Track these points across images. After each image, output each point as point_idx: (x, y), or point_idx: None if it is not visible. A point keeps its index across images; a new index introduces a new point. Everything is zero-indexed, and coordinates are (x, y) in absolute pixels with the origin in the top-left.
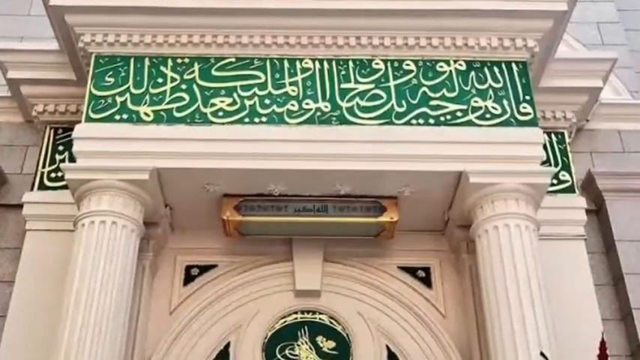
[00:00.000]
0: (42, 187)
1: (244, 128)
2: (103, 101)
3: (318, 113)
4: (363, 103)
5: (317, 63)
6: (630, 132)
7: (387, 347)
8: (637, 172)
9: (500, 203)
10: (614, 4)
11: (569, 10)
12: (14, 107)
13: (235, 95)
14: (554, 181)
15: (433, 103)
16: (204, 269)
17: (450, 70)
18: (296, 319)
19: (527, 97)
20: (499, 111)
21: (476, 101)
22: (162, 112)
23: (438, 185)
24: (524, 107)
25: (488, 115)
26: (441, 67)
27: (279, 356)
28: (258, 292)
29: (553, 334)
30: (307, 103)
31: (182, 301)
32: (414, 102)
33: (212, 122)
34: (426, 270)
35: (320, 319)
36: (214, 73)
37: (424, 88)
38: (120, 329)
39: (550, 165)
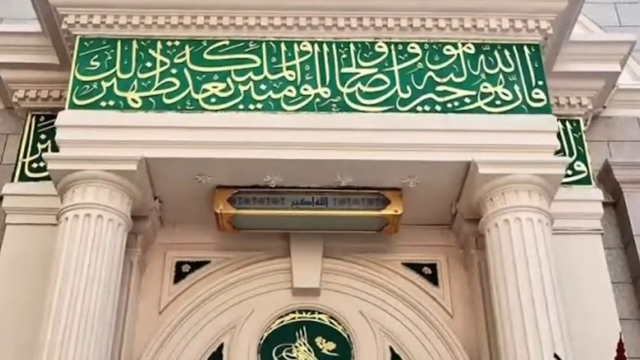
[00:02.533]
0: (23, 178)
1: (238, 115)
2: (87, 87)
3: (318, 99)
4: (365, 89)
5: (316, 46)
6: None
7: (391, 349)
8: None
9: (512, 195)
10: None
11: None
12: None
13: (229, 80)
14: (569, 172)
15: (440, 88)
16: (196, 266)
17: (458, 54)
18: (294, 318)
19: (540, 83)
20: (510, 97)
21: (485, 87)
22: (151, 99)
23: (445, 176)
24: (537, 93)
25: (498, 102)
26: (448, 50)
27: (275, 358)
28: (253, 291)
29: (567, 335)
30: (306, 89)
31: (172, 299)
32: (420, 87)
33: (204, 109)
34: (432, 266)
35: (319, 318)
36: (206, 56)
37: (430, 73)
38: (106, 330)
39: (564, 155)
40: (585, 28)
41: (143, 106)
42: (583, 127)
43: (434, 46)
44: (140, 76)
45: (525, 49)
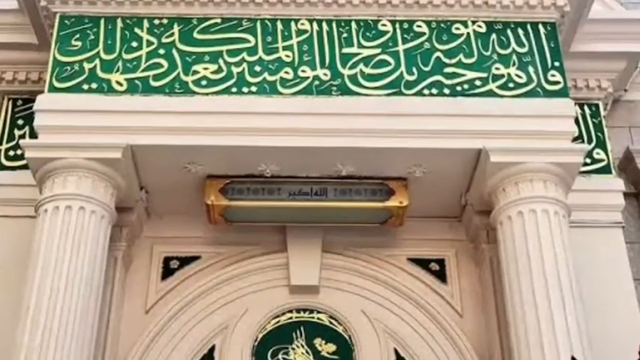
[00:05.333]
0: None
1: (231, 99)
2: (68, 68)
3: (316, 82)
4: (367, 71)
5: (315, 24)
6: None
7: (396, 351)
8: None
9: (526, 185)
10: None
11: None
12: None
13: (221, 61)
14: (588, 160)
15: (448, 70)
16: (186, 261)
17: (468, 33)
18: (291, 318)
19: (557, 64)
20: (524, 79)
21: (497, 68)
22: (137, 81)
23: (454, 165)
24: (553, 75)
25: (511, 85)
26: (458, 29)
27: None
28: (247, 288)
29: (586, 336)
30: (304, 71)
31: (160, 297)
32: (427, 69)
33: (194, 92)
34: (440, 262)
35: (318, 318)
36: (197, 36)
37: (438, 54)
38: (88, 331)
39: (583, 142)
40: (605, 5)
41: (128, 89)
42: (603, 112)
43: (442, 25)
44: (125, 56)
45: (540, 27)
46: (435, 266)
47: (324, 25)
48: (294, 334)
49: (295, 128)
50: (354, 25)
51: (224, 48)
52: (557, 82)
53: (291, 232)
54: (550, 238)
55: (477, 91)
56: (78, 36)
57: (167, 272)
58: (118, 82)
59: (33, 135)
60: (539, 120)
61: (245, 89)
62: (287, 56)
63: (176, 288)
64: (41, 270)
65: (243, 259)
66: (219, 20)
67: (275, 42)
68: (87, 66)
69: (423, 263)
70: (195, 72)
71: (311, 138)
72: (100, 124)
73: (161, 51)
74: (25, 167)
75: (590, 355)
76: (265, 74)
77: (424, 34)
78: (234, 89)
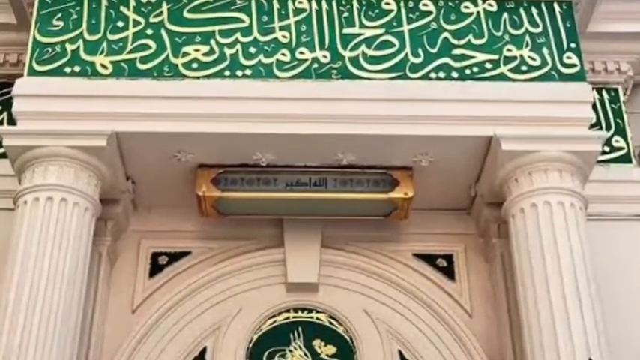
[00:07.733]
0: None
1: (224, 83)
2: (50, 50)
3: (315, 65)
4: (370, 53)
5: (314, 3)
6: None
7: (400, 353)
8: None
9: (540, 176)
10: None
11: None
12: None
13: (213, 43)
14: (606, 149)
15: (457, 52)
16: (175, 257)
17: (478, 12)
18: (288, 318)
19: (573, 45)
20: (538, 62)
21: (509, 50)
22: (122, 64)
23: (463, 153)
24: (569, 57)
25: (524, 68)
26: (467, 7)
27: None
28: (241, 286)
29: (604, 336)
30: (302, 53)
31: (147, 296)
32: (433, 51)
33: (184, 76)
34: (448, 258)
35: (317, 318)
36: (187, 15)
37: (445, 34)
38: (71, 331)
39: (601, 128)
40: None
41: (114, 73)
42: (622, 97)
43: (450, 3)
44: (110, 37)
45: (556, 6)
46: (442, 262)
47: (324, 4)
48: (291, 335)
49: (293, 114)
50: (355, 3)
51: (216, 28)
52: (574, 65)
53: (289, 226)
54: (566, 232)
55: (487, 74)
56: (60, 15)
57: (155, 269)
58: (102, 65)
59: (11, 121)
60: (554, 105)
61: (239, 72)
62: (284, 37)
63: (165, 285)
64: (20, 266)
65: (237, 255)
66: None
67: (271, 22)
68: (69, 47)
69: (429, 259)
70: (186, 54)
71: (309, 125)
72: (83, 110)
73: (149, 31)
74: (3, 156)
75: (609, 356)
76: (260, 56)
77: (431, 13)
78: (227, 72)
